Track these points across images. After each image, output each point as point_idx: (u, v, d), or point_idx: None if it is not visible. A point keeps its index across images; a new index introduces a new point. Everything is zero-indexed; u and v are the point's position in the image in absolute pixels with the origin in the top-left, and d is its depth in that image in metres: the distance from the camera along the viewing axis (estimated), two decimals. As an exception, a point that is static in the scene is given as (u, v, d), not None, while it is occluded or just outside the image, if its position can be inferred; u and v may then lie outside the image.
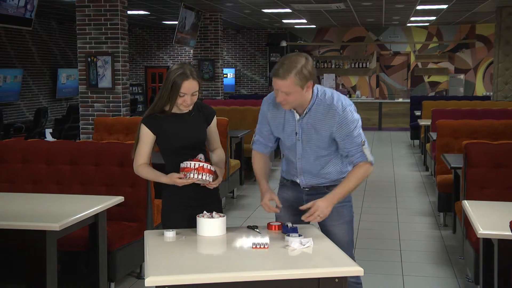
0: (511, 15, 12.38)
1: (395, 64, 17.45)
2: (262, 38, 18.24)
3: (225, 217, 2.93)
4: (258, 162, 3.26)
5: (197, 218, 2.91)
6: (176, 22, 11.64)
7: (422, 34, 17.22)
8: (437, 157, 6.59)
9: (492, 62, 15.05)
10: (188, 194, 3.14)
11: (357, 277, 3.17)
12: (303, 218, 2.98)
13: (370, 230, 6.03)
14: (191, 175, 2.98)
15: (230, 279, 2.38)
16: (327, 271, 2.45)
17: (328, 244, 2.78)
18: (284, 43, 17.66)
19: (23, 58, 13.34)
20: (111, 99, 8.31)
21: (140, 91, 17.87)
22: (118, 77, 8.28)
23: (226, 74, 17.93)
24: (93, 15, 8.22)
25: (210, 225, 2.87)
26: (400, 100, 16.61)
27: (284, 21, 15.60)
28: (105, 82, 8.27)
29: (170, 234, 2.84)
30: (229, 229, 2.95)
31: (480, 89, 16.92)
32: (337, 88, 17.20)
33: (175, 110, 3.17)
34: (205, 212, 2.95)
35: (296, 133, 3.05)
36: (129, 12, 9.46)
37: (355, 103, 3.20)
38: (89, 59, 8.27)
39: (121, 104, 8.31)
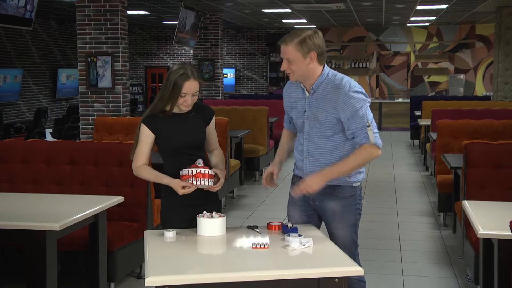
0: (511, 15, 12.38)
1: (395, 64, 17.45)
2: (262, 38, 18.24)
3: (225, 217, 2.93)
4: (282, 138, 3.43)
5: (197, 218, 2.91)
6: (176, 22, 11.64)
7: (422, 34, 17.22)
8: (437, 157, 6.58)
9: (492, 62, 15.05)
10: (188, 194, 3.13)
11: (361, 275, 3.17)
12: (292, 193, 3.07)
13: (370, 230, 6.03)
14: (192, 182, 3.01)
15: (230, 279, 2.38)
16: (327, 271, 2.45)
17: (328, 244, 2.78)
18: (284, 43, 17.64)
19: (23, 58, 13.34)
20: (111, 99, 8.32)
21: (140, 91, 17.87)
22: (118, 77, 8.28)
23: (226, 74, 17.93)
24: (93, 15, 8.22)
25: (210, 225, 2.87)
26: (400, 100, 16.62)
27: (284, 21, 15.60)
28: (105, 82, 8.27)
29: (170, 234, 2.84)
30: (229, 229, 2.96)
31: (480, 89, 16.91)
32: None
33: (175, 110, 3.17)
34: (205, 212, 2.95)
35: (304, 111, 3.08)
36: (129, 12, 9.46)
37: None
38: (89, 59, 8.28)
39: (121, 104, 8.32)
